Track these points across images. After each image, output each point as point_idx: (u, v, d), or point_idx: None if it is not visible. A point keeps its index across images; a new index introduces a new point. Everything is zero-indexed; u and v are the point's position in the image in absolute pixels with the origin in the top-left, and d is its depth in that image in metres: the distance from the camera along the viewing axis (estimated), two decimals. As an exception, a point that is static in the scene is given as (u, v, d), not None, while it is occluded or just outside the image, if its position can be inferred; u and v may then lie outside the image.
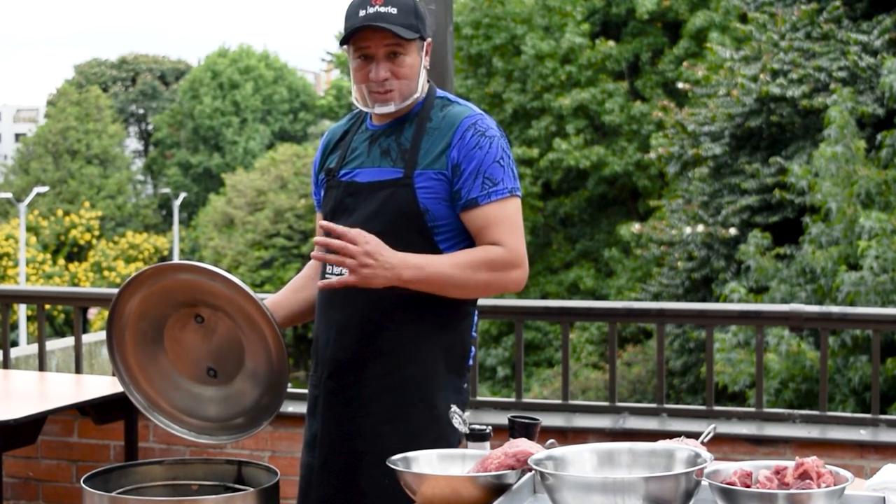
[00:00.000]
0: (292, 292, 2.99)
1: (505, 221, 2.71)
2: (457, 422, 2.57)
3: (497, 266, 2.70)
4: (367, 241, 2.61)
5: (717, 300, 13.93)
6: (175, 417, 2.86)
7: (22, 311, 26.75)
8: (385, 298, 2.74)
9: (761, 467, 2.13)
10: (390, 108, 2.75)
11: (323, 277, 2.84)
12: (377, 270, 2.62)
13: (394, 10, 2.70)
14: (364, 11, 2.71)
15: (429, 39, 2.80)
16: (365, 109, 2.81)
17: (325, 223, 2.63)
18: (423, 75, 2.79)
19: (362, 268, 2.61)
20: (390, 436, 2.72)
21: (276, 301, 2.96)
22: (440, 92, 2.86)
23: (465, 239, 2.77)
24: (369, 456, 2.72)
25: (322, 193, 2.91)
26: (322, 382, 2.82)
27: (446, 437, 2.74)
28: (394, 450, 2.44)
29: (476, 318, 2.91)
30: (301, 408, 4.59)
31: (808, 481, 2.04)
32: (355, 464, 2.75)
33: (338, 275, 2.75)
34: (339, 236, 2.61)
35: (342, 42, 2.72)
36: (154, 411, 2.86)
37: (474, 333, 2.90)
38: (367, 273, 2.61)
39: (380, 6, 2.70)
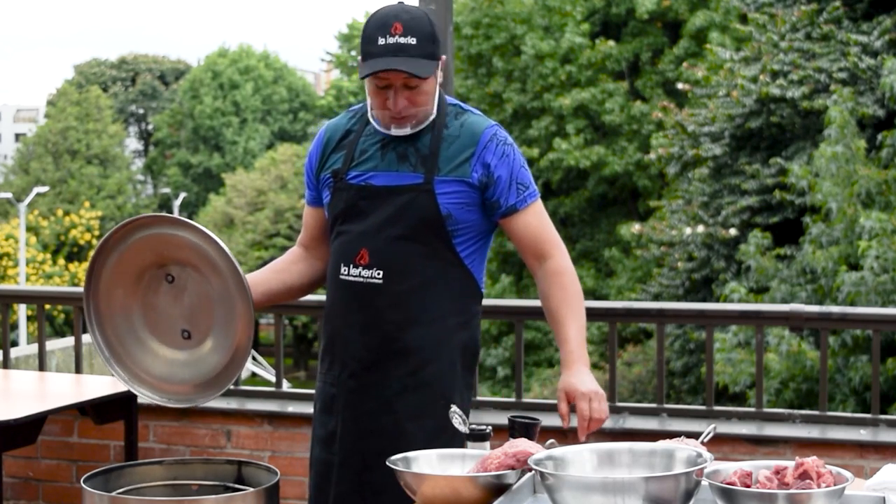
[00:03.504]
0: (272, 272, 3.05)
1: (544, 222, 2.90)
2: (457, 422, 2.58)
3: (570, 276, 2.88)
4: (592, 392, 2.79)
5: (718, 301, 13.92)
6: (156, 387, 2.88)
7: (22, 311, 26.74)
8: (407, 300, 2.81)
9: (761, 467, 2.13)
10: (407, 132, 2.82)
11: (336, 275, 2.88)
12: (596, 390, 2.80)
13: (413, 41, 2.71)
14: (384, 40, 2.71)
15: (443, 57, 2.84)
16: (382, 130, 2.85)
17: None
18: (438, 92, 2.85)
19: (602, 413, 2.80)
20: (414, 434, 2.78)
21: (254, 279, 3.00)
22: (449, 99, 2.93)
23: (481, 238, 2.89)
24: (389, 454, 2.73)
25: (329, 195, 2.92)
26: (341, 381, 2.87)
27: (462, 433, 2.76)
28: (417, 447, 2.51)
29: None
30: (301, 408, 4.59)
31: (808, 481, 2.04)
32: (373, 462, 2.78)
33: (355, 275, 2.82)
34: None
35: (362, 76, 2.75)
36: (135, 383, 2.88)
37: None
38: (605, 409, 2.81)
39: (399, 36, 2.70)
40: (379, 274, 2.80)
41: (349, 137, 2.91)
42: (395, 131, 2.80)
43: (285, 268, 3.05)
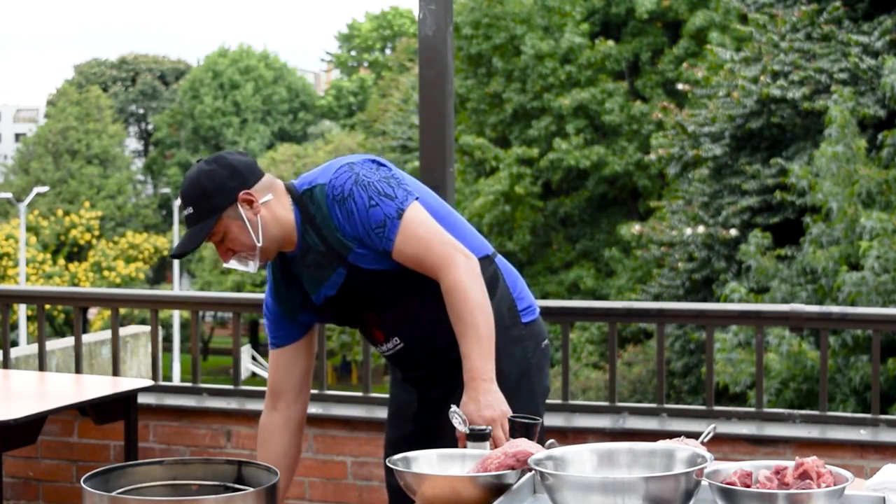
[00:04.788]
0: (262, 450, 3.14)
1: (420, 244, 2.82)
2: (457, 422, 2.58)
3: (460, 292, 2.80)
4: (489, 420, 2.73)
5: (718, 301, 13.92)
6: None
7: (22, 311, 26.76)
8: (432, 345, 2.97)
9: (761, 467, 2.13)
10: (253, 268, 2.92)
11: (379, 348, 3.06)
12: (500, 415, 2.74)
13: (190, 210, 2.85)
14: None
15: (241, 193, 2.84)
16: (284, 255, 2.99)
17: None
18: (259, 222, 2.85)
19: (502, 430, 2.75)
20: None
21: None
22: (299, 185, 2.93)
23: None
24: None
25: (319, 318, 3.06)
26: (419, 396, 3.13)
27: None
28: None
29: (533, 309, 3.07)
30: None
31: (808, 481, 2.04)
32: None
33: (385, 350, 3.02)
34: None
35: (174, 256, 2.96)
36: None
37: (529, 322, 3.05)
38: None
39: (182, 209, 2.88)
40: (398, 341, 2.99)
41: (284, 270, 3.01)
42: (249, 270, 2.95)
43: (269, 435, 3.13)
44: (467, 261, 2.82)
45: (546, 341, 3.10)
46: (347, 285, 2.90)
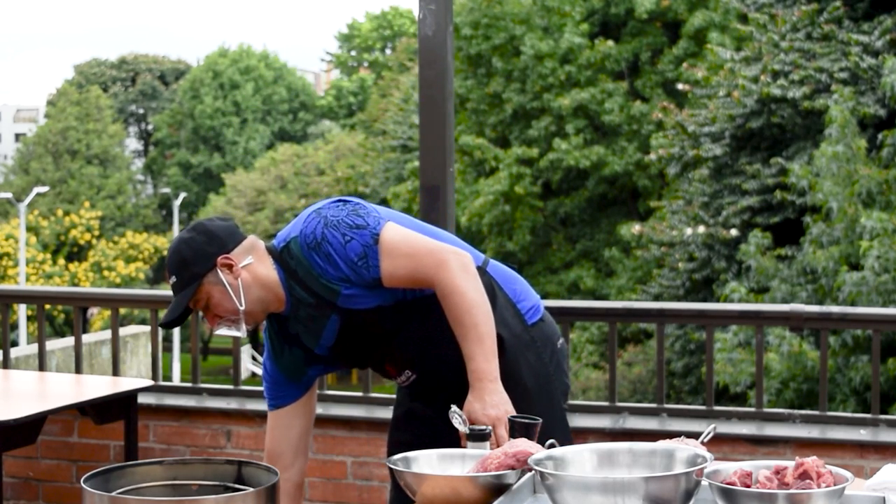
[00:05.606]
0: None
1: (406, 260, 2.80)
2: (457, 422, 2.58)
3: (456, 295, 2.78)
4: (494, 419, 2.72)
5: (718, 301, 13.92)
6: None
7: (22, 311, 26.75)
8: (444, 366, 2.93)
9: (761, 467, 2.13)
10: (243, 333, 2.91)
11: (400, 383, 3.06)
12: (504, 414, 2.72)
13: (174, 279, 2.87)
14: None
15: (219, 258, 2.85)
16: (275, 316, 2.98)
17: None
18: (240, 285, 2.85)
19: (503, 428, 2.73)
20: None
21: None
22: (277, 244, 2.93)
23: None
24: None
25: (325, 367, 3.05)
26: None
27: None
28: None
29: (538, 308, 3.05)
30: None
31: (808, 481, 2.04)
32: None
33: (401, 381, 3.03)
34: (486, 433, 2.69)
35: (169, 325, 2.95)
36: None
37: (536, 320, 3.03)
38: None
39: (169, 280, 2.90)
40: (410, 373, 2.99)
41: (279, 329, 2.99)
42: (241, 335, 2.95)
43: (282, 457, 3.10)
44: (458, 258, 2.80)
45: (561, 340, 3.09)
46: (345, 331, 2.90)
